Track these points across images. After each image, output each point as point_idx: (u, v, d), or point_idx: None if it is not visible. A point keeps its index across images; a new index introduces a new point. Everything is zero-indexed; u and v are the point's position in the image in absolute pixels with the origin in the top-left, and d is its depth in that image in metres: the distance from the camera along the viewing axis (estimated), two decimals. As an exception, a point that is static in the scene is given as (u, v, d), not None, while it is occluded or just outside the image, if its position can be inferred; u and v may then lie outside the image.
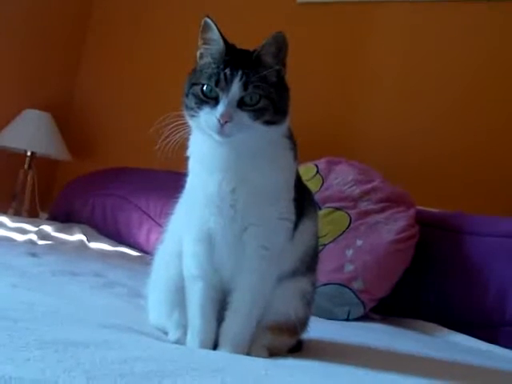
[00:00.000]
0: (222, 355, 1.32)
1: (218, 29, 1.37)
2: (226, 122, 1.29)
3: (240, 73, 1.31)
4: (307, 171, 2.76)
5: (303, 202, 1.46)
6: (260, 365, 1.26)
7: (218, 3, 3.93)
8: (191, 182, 1.44)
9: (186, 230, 1.44)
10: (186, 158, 1.45)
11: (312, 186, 2.66)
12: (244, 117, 1.30)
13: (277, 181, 1.38)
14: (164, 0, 4.38)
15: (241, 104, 1.31)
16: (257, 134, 1.33)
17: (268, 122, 1.32)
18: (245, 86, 1.31)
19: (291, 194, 1.41)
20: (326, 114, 3.62)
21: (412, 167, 3.26)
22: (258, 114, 1.31)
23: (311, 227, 1.49)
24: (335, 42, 3.70)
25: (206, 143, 1.39)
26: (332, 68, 3.69)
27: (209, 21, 1.38)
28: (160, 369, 1.06)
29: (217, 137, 1.32)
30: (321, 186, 2.76)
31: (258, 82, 1.32)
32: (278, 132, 1.37)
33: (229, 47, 1.37)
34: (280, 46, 1.35)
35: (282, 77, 1.38)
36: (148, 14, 4.46)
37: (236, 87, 1.30)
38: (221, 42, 1.37)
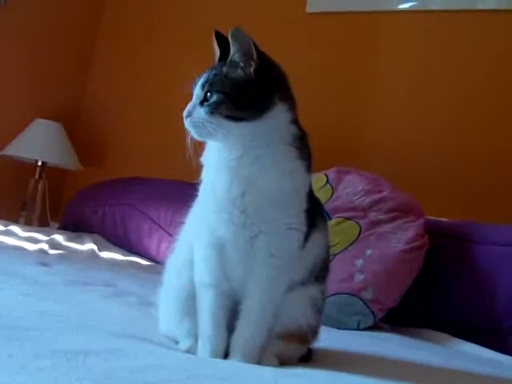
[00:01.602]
0: (232, 364, 1.32)
1: (216, 40, 1.45)
2: (186, 117, 1.38)
3: (205, 75, 1.40)
4: (317, 181, 2.76)
5: (315, 213, 1.46)
6: (271, 374, 1.26)
7: (227, 12, 3.95)
8: (203, 188, 1.46)
9: (198, 237, 1.45)
10: (201, 166, 1.47)
11: (322, 195, 2.66)
12: (201, 112, 1.36)
13: (284, 188, 1.38)
14: (174, 9, 4.39)
15: (203, 102, 1.38)
16: (230, 131, 1.36)
17: (231, 117, 1.35)
18: (203, 85, 1.38)
19: (303, 205, 1.42)
20: (334, 122, 3.62)
21: (421, 176, 3.25)
22: (211, 108, 1.35)
23: (322, 239, 1.49)
24: (345, 51, 3.71)
25: (214, 148, 1.42)
26: (341, 77, 3.69)
27: (213, 34, 1.45)
28: (172, 378, 1.06)
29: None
30: (331, 196, 2.76)
31: (213, 80, 1.38)
32: (259, 131, 1.37)
33: (223, 55, 1.43)
34: (239, 40, 1.37)
35: (254, 72, 1.37)
36: (157, 24, 4.47)
37: (198, 87, 1.39)
38: (217, 52, 1.45)
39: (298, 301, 1.44)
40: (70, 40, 4.56)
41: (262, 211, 1.37)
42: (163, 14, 4.44)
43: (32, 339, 1.16)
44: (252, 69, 1.37)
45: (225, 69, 1.39)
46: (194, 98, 1.40)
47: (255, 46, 1.37)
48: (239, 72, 1.37)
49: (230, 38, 1.38)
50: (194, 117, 1.37)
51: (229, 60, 1.39)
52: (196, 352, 1.40)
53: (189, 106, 1.39)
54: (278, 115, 1.39)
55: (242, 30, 1.36)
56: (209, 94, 1.37)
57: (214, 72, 1.39)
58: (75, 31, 4.61)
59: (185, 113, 1.39)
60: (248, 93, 1.36)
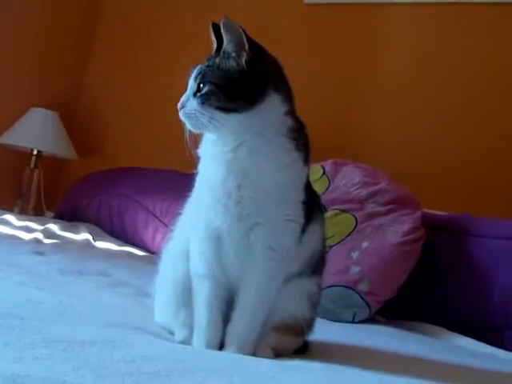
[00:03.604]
0: (228, 355, 1.32)
1: (213, 32, 1.44)
2: (181, 109, 1.39)
3: (198, 66, 1.41)
4: (313, 172, 2.75)
5: (312, 206, 1.46)
6: (266, 365, 1.26)
7: (225, 4, 3.94)
8: (199, 179, 1.46)
9: (194, 229, 1.44)
10: (198, 158, 1.46)
11: (318, 187, 2.65)
12: (193, 103, 1.37)
13: (281, 181, 1.38)
14: (172, 0, 4.39)
15: (196, 93, 1.38)
16: (222, 122, 1.36)
17: (222, 108, 1.35)
18: (196, 77, 1.39)
19: (300, 197, 1.42)
20: (332, 115, 3.62)
21: (418, 169, 3.26)
22: (203, 99, 1.36)
23: (319, 232, 1.49)
24: (342, 43, 3.71)
25: (210, 140, 1.42)
26: (339, 69, 3.69)
27: (210, 26, 1.46)
28: (167, 368, 1.06)
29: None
30: (327, 188, 2.76)
31: (206, 71, 1.38)
32: (252, 123, 1.37)
33: (220, 47, 1.42)
34: (230, 31, 1.37)
35: (246, 63, 1.37)
36: (156, 13, 4.46)
37: (191, 79, 1.40)
38: (214, 45, 1.45)
39: (293, 293, 1.45)
40: (68, 29, 4.55)
41: (258, 203, 1.37)
42: (162, 5, 4.43)
43: (28, 328, 1.16)
44: (244, 59, 1.37)
45: (217, 60, 1.39)
46: (188, 89, 1.40)
47: (247, 37, 1.37)
48: (231, 63, 1.37)
49: (221, 29, 1.38)
50: (187, 108, 1.38)
51: (222, 51, 1.40)
52: (191, 343, 1.40)
53: (183, 98, 1.40)
54: (272, 106, 1.38)
55: (233, 21, 1.36)
56: (201, 85, 1.37)
57: (207, 63, 1.40)
58: (74, 21, 4.60)
59: (179, 104, 1.40)
60: (239, 83, 1.36)
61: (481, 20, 3.29)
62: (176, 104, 1.41)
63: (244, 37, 1.37)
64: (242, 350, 1.35)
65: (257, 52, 1.39)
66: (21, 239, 2.90)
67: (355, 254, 2.52)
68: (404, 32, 3.53)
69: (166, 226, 3.01)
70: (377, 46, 3.61)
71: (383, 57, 3.57)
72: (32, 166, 4.16)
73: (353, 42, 3.68)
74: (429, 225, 2.65)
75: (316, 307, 1.51)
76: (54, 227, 3.26)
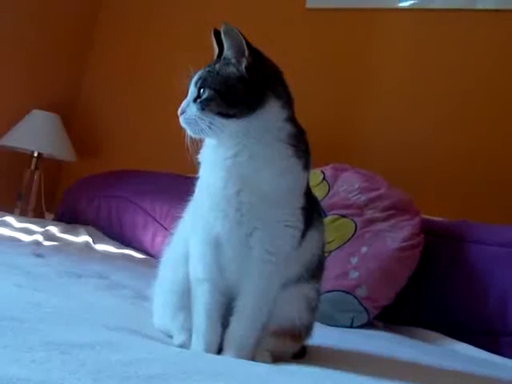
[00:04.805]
0: (226, 359, 1.32)
1: (215, 38, 1.44)
2: (181, 115, 1.39)
3: (199, 72, 1.41)
4: (314, 177, 2.75)
5: (312, 211, 1.46)
6: (264, 370, 1.26)
7: (226, 8, 3.94)
8: (200, 185, 1.46)
9: (193, 233, 1.45)
10: (198, 163, 1.46)
11: (318, 192, 2.66)
12: (193, 109, 1.37)
13: (280, 187, 1.38)
14: (172, 3, 4.39)
15: (197, 99, 1.38)
16: (222, 127, 1.36)
17: (221, 114, 1.35)
18: (196, 82, 1.39)
19: (299, 203, 1.41)
20: (332, 119, 3.62)
21: (416, 175, 3.26)
22: (202, 104, 1.36)
23: (318, 237, 1.49)
24: (343, 48, 3.71)
25: (210, 145, 1.42)
26: (339, 73, 3.69)
27: (211, 33, 1.45)
28: (165, 372, 1.06)
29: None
30: (327, 193, 2.76)
31: (206, 76, 1.39)
32: (251, 128, 1.37)
33: (221, 53, 1.42)
34: (231, 37, 1.38)
35: (246, 69, 1.37)
36: (156, 16, 4.46)
37: (192, 85, 1.40)
38: (216, 51, 1.45)
39: (292, 298, 1.45)
40: (68, 31, 4.55)
41: (257, 209, 1.37)
42: (161, 7, 4.43)
43: (26, 331, 1.16)
44: (243, 65, 1.37)
45: (218, 66, 1.39)
46: (188, 95, 1.40)
47: (247, 43, 1.37)
48: (231, 69, 1.37)
49: (222, 36, 1.38)
50: (187, 114, 1.38)
51: (222, 57, 1.40)
52: (189, 347, 1.40)
53: (183, 104, 1.40)
54: (271, 112, 1.38)
55: (233, 27, 1.36)
56: (201, 90, 1.37)
57: (207, 69, 1.40)
58: (73, 23, 4.60)
59: (179, 110, 1.40)
60: (239, 89, 1.36)
61: (480, 26, 3.29)
62: (175, 106, 1.41)
63: (244, 43, 1.37)
64: (240, 354, 1.35)
65: (257, 58, 1.39)
66: (21, 241, 2.89)
67: (354, 260, 2.52)
68: (404, 37, 3.54)
69: (166, 228, 3.01)
70: (378, 50, 3.61)
71: (384, 61, 3.58)
72: (32, 167, 4.17)
73: (354, 46, 3.68)
74: (426, 231, 2.65)
75: (314, 312, 1.51)
76: (53, 229, 3.26)
